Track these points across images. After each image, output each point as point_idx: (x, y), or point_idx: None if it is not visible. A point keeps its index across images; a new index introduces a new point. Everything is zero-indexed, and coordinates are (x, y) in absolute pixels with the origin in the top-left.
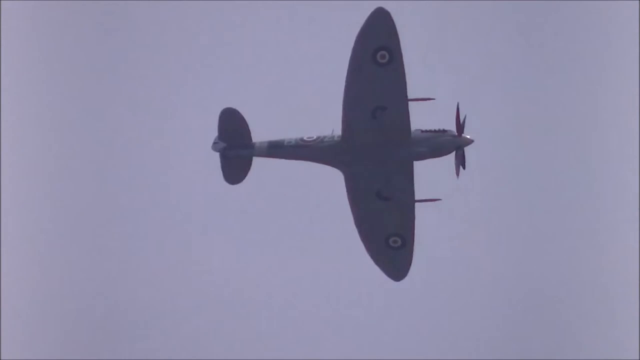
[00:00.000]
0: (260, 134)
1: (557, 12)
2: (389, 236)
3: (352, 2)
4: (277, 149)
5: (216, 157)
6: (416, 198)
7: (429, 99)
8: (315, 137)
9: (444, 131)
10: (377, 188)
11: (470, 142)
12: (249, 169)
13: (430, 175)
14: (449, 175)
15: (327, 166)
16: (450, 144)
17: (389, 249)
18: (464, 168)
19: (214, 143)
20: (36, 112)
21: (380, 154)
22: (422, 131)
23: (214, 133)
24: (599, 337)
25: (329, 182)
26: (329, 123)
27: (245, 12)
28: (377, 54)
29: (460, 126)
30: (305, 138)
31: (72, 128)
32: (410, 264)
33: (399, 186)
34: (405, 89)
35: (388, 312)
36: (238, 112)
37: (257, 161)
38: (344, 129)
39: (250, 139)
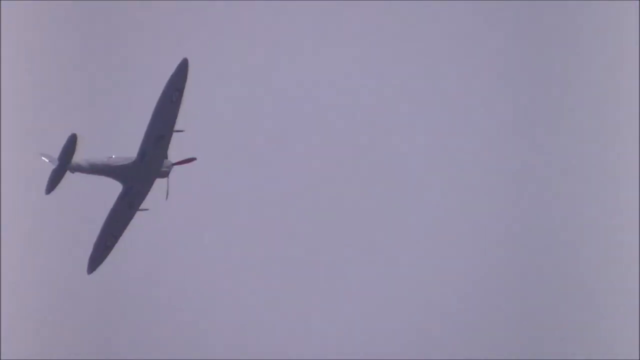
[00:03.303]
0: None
1: (557, 11)
2: (110, 237)
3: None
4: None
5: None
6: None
7: (181, 130)
8: (112, 156)
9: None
10: (132, 199)
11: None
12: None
13: None
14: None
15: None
16: (169, 168)
17: (105, 249)
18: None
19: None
20: (35, 111)
21: (149, 171)
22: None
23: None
24: (599, 337)
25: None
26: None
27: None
28: (173, 95)
29: (182, 162)
30: (112, 156)
31: (70, 126)
32: (103, 261)
33: (142, 197)
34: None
35: None
36: (75, 137)
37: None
38: (140, 153)
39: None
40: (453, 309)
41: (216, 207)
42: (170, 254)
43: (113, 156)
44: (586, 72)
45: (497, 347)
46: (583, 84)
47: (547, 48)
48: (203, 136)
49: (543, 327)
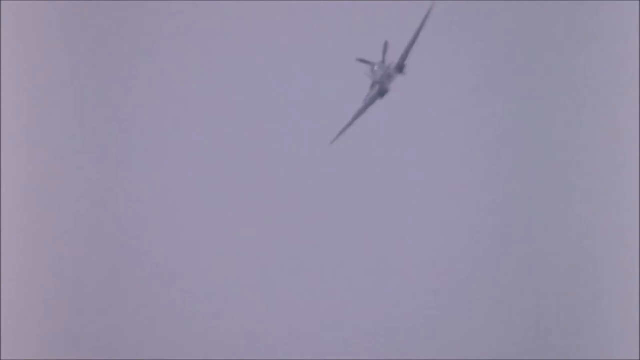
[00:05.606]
0: None
1: (557, 11)
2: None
3: None
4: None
5: None
6: None
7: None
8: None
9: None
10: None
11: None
12: None
13: None
14: None
15: None
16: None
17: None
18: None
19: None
20: (35, 112)
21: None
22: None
23: None
24: (599, 337)
25: None
26: None
27: None
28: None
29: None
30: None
31: (72, 126)
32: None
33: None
34: None
35: None
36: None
37: None
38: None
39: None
40: (452, 309)
41: None
42: None
43: (375, 67)
44: (586, 72)
45: (496, 347)
46: (583, 84)
47: (547, 48)
48: None
49: (543, 327)
